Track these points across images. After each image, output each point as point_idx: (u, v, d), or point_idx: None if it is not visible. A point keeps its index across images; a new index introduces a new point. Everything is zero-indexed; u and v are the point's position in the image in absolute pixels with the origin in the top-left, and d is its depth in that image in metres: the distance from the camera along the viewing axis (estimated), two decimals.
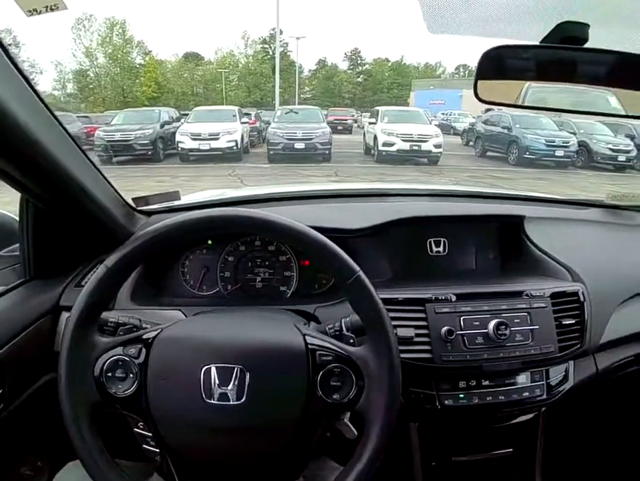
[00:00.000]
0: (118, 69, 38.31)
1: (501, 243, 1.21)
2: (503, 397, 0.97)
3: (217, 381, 0.63)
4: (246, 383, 0.63)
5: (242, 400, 0.62)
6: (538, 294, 1.00)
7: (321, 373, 0.64)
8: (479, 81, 0.70)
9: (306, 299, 1.03)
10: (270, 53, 46.39)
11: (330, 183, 6.89)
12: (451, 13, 0.67)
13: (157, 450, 0.68)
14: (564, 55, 0.72)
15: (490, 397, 0.97)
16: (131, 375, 0.64)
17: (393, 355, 0.62)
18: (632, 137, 12.57)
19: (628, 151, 11.99)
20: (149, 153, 11.43)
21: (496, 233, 1.21)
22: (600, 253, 1.26)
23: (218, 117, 12.09)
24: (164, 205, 1.21)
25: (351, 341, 0.69)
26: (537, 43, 0.72)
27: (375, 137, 11.61)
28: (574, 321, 1.01)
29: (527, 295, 0.99)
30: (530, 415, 1.08)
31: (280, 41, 40.75)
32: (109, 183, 0.98)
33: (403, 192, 1.45)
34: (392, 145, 11.14)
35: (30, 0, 0.59)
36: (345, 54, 55.11)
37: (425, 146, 11.13)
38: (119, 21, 38.71)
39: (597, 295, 1.06)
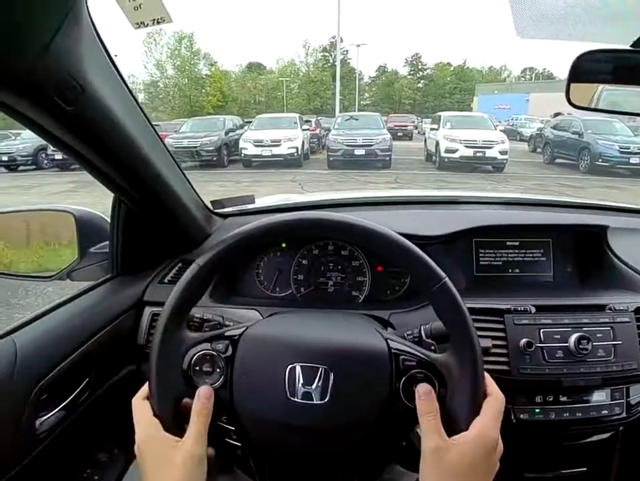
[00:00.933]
0: (186, 79, 40.28)
1: (581, 254, 1.15)
2: (580, 414, 0.93)
3: (301, 380, 0.64)
4: (330, 384, 0.63)
5: (326, 400, 0.63)
6: (621, 308, 0.95)
7: (404, 377, 0.64)
8: (572, 84, 0.68)
9: (378, 305, 1.03)
10: (331, 60, 46.97)
11: (391, 190, 6.83)
12: (540, 17, 0.66)
13: (239, 444, 0.70)
14: None
15: (567, 413, 0.93)
16: (217, 370, 0.66)
17: (478, 364, 0.61)
18: None
19: None
20: (214, 159, 11.94)
21: (575, 244, 1.16)
22: None
23: (279, 124, 12.43)
24: (238, 208, 1.26)
25: (432, 347, 0.68)
26: (628, 47, 0.69)
27: (437, 144, 11.41)
28: None
29: (610, 309, 0.95)
30: (607, 434, 1.02)
31: (341, 49, 41.07)
32: (192, 186, 1.03)
33: (473, 199, 1.42)
34: (455, 151, 10.90)
35: (139, 13, 0.64)
36: (406, 59, 54.81)
37: (489, 153, 10.79)
38: (187, 34, 40.86)
39: None
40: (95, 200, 1.03)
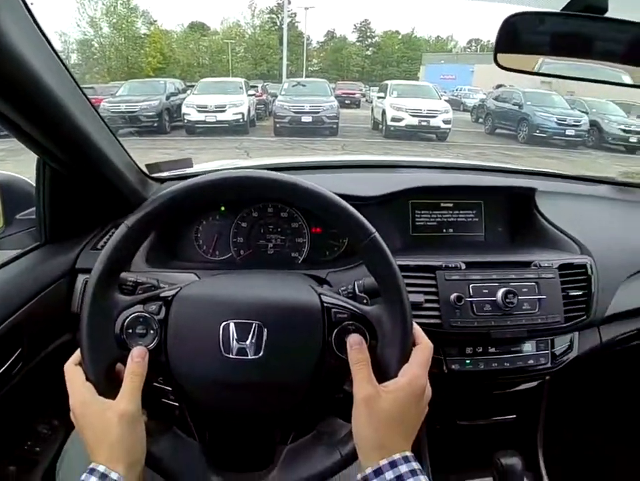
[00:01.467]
0: (123, 39, 37.62)
1: (511, 215, 1.22)
2: (508, 364, 1.00)
3: (235, 337, 0.64)
4: (264, 339, 0.64)
5: (260, 354, 0.64)
6: (546, 265, 1.01)
7: (335, 330, 0.66)
8: (498, 54, 0.69)
9: (317, 265, 1.05)
10: (278, 23, 45.44)
11: (338, 155, 6.84)
12: None
13: (177, 404, 0.70)
14: (583, 27, 0.71)
15: (496, 364, 0.99)
16: (151, 331, 0.65)
17: (407, 314, 0.64)
18: None
19: None
20: (155, 125, 11.31)
21: (506, 205, 1.22)
22: (609, 228, 1.27)
23: (224, 89, 11.95)
24: (176, 173, 1.22)
25: (364, 301, 0.70)
26: (558, 11, 0.71)
27: (384, 112, 11.46)
28: (580, 293, 1.03)
29: (535, 266, 1.01)
30: (534, 383, 1.11)
31: (288, 11, 39.95)
32: (124, 149, 0.99)
33: (413, 164, 1.45)
34: (401, 120, 11.01)
35: None
36: (355, 26, 54.16)
37: (434, 122, 10.98)
38: None
39: (605, 269, 1.08)
40: (31, 170, 0.96)
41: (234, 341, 0.64)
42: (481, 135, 12.90)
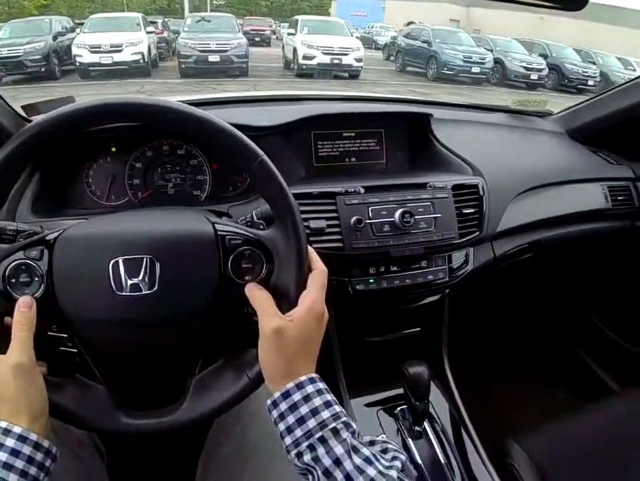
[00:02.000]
0: None
1: (410, 142, 1.25)
2: (409, 281, 1.06)
3: (127, 273, 0.62)
4: (157, 273, 0.63)
5: (155, 288, 0.63)
6: (440, 185, 1.07)
7: (231, 256, 0.65)
8: None
9: (220, 201, 1.02)
10: None
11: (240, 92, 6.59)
12: None
13: (75, 350, 0.67)
14: None
15: (398, 281, 1.05)
16: (36, 278, 0.61)
17: (300, 233, 0.64)
18: (545, 57, 13.05)
19: (540, 70, 12.43)
20: (43, 70, 9.95)
21: (404, 133, 1.25)
22: (501, 152, 1.36)
23: (119, 26, 10.74)
24: None
25: (261, 227, 0.70)
26: None
27: (295, 50, 11.03)
28: (473, 211, 1.10)
29: (431, 187, 1.06)
30: (436, 297, 1.19)
31: None
32: None
33: (317, 96, 1.44)
34: (312, 58, 10.68)
35: None
36: None
37: (346, 60, 10.78)
38: None
39: (495, 188, 1.15)
40: None
41: (126, 277, 0.62)
42: (392, 73, 12.92)
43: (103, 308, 0.63)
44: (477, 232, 1.11)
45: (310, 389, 0.57)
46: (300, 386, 0.58)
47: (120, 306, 0.63)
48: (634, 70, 13.38)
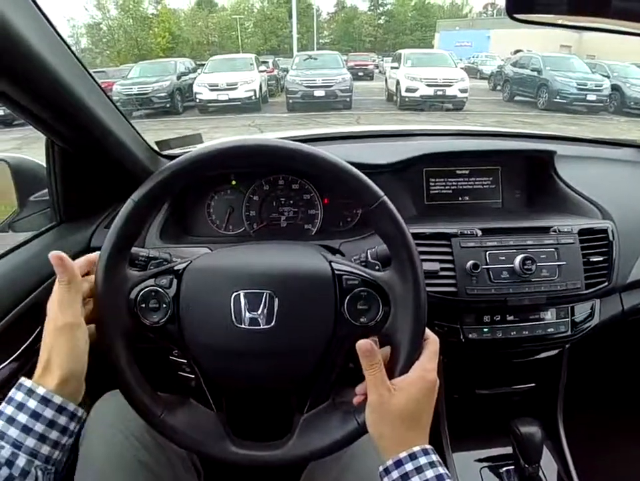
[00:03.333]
0: (131, 20, 37.21)
1: (529, 180, 1.18)
2: (527, 332, 0.99)
3: (247, 307, 0.64)
4: (275, 308, 0.64)
5: (272, 324, 0.64)
6: (566, 230, 0.99)
7: (348, 296, 0.65)
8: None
9: (331, 236, 1.04)
10: None
11: (353, 127, 6.76)
12: None
13: (192, 376, 0.71)
14: None
15: (514, 332, 0.98)
16: (164, 305, 0.66)
17: (419, 279, 0.62)
18: None
19: None
20: (168, 105, 11.33)
21: (523, 170, 1.18)
22: (631, 192, 1.23)
23: (234, 66, 11.86)
24: (187, 149, 1.22)
25: (377, 267, 0.69)
26: None
27: (398, 83, 11.20)
28: (602, 259, 1.00)
29: (555, 231, 0.98)
30: (554, 351, 1.09)
31: None
32: (133, 127, 0.98)
33: (427, 132, 1.42)
34: (415, 90, 10.76)
35: None
36: None
37: (450, 91, 10.70)
38: None
39: (626, 234, 1.05)
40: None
41: (246, 311, 0.64)
42: (499, 103, 12.54)
43: (221, 338, 0.66)
44: (606, 283, 1.00)
45: (423, 460, 0.56)
46: (413, 456, 0.57)
47: (238, 339, 0.65)
48: None
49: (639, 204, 1.16)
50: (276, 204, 1.13)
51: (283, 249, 0.78)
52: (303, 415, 0.69)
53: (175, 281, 0.66)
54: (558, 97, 11.16)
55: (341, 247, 0.97)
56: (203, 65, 12.89)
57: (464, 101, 10.92)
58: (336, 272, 0.66)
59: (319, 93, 10.92)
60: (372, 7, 52.16)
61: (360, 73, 17.78)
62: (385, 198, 0.63)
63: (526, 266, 0.92)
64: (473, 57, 21.85)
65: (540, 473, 1.03)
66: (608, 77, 11.65)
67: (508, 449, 1.01)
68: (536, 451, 0.93)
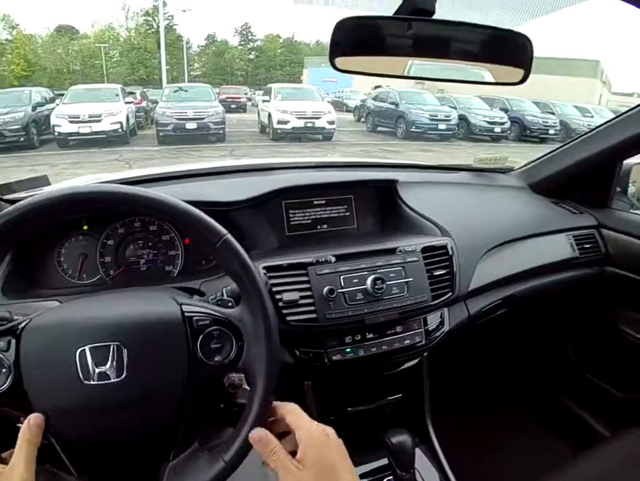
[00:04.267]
0: None
1: (379, 207, 1.29)
2: (386, 347, 1.04)
3: (94, 362, 0.61)
4: (125, 359, 0.62)
5: (123, 376, 0.62)
6: (410, 249, 1.08)
7: (200, 337, 0.65)
8: (336, 58, 0.73)
9: (193, 276, 1.02)
10: (155, 26, 43.25)
11: (226, 161, 6.74)
12: None
13: (45, 442, 0.65)
14: (417, 29, 0.77)
15: (375, 348, 1.03)
16: (4, 370, 0.60)
17: (267, 311, 0.64)
18: (506, 110, 14.05)
19: (502, 123, 13.34)
20: (22, 139, 10.13)
21: (373, 197, 1.28)
22: (466, 211, 1.40)
23: (98, 97, 11.11)
24: (33, 192, 1.12)
25: (230, 304, 0.70)
26: (390, 15, 0.77)
27: (270, 115, 11.55)
28: (444, 272, 1.10)
29: (400, 251, 1.07)
30: (415, 361, 1.16)
31: (165, 14, 38.33)
32: None
33: (289, 165, 1.47)
34: (287, 122, 11.20)
35: None
36: (235, 29, 53.54)
37: (319, 123, 11.33)
38: None
39: (464, 248, 1.17)
40: None
41: (93, 366, 0.61)
42: (364, 134, 13.55)
43: (71, 398, 0.61)
44: (450, 293, 1.11)
45: None
46: None
47: (88, 396, 0.61)
48: (592, 116, 14.32)
49: (473, 221, 1.31)
50: (133, 248, 1.06)
51: (131, 297, 0.75)
52: (169, 463, 0.67)
53: (14, 342, 0.61)
54: (413, 127, 12.47)
55: (202, 287, 0.95)
56: (62, 94, 11.92)
57: (332, 132, 11.61)
58: (186, 314, 0.66)
59: (191, 125, 10.74)
60: (242, 42, 53.33)
61: (233, 106, 17.91)
62: (229, 236, 0.65)
63: (377, 286, 0.98)
64: (339, 91, 23.36)
65: (418, 478, 1.09)
66: (455, 108, 13.32)
67: (385, 461, 1.03)
68: (409, 458, 0.96)
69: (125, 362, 0.62)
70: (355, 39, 0.72)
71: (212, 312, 0.67)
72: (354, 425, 1.20)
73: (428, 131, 12.43)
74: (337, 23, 0.69)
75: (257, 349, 0.65)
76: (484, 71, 0.88)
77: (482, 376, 1.87)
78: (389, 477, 1.08)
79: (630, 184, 1.58)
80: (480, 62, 0.83)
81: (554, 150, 1.58)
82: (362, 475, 1.11)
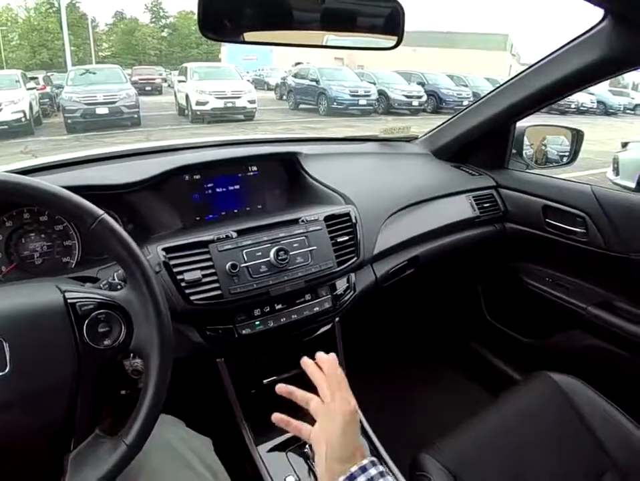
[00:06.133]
0: None
1: (285, 180, 1.30)
2: (296, 316, 1.07)
3: None
4: (7, 353, 0.59)
5: (6, 370, 0.59)
6: (312, 218, 1.10)
7: (85, 322, 0.64)
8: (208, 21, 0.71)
9: (92, 264, 0.97)
10: (56, 5, 39.71)
11: (123, 145, 6.42)
12: None
13: None
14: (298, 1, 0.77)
15: (284, 318, 1.05)
16: None
17: (154, 289, 0.64)
18: (422, 84, 14.60)
19: (420, 97, 13.87)
20: None
21: (279, 171, 1.29)
22: (370, 179, 1.44)
23: None
24: None
25: (119, 287, 0.69)
26: None
27: (187, 97, 11.15)
28: (347, 238, 1.13)
29: (303, 221, 1.09)
30: (327, 327, 1.19)
31: None
32: None
33: (195, 145, 1.44)
34: (206, 103, 10.83)
35: None
36: (145, 6, 50.33)
37: (239, 102, 11.07)
38: None
39: (367, 214, 1.21)
40: None
41: None
42: (286, 112, 13.44)
43: None
44: (355, 258, 1.14)
45: (373, 471, 0.62)
46: (363, 469, 0.62)
47: None
48: None
49: (376, 188, 1.36)
50: (25, 241, 0.99)
51: (12, 290, 0.72)
52: (71, 453, 0.65)
53: None
54: (335, 103, 12.59)
55: (98, 274, 0.92)
56: None
57: (254, 112, 11.40)
58: (69, 300, 0.64)
59: (102, 110, 10.06)
60: (154, 19, 50.39)
61: (147, 88, 17.02)
62: (105, 216, 0.63)
63: (280, 257, 0.99)
64: (259, 69, 22.90)
65: None
66: (374, 83, 13.58)
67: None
68: None
69: (7, 356, 0.59)
70: (234, 8, 0.71)
71: (97, 297, 0.65)
72: (273, 396, 1.22)
73: (350, 107, 12.59)
74: None
75: (148, 330, 0.64)
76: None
77: (397, 335, 1.96)
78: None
79: (526, 146, 1.70)
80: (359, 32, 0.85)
81: (453, 117, 1.66)
82: (284, 444, 1.13)
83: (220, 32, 0.73)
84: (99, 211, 0.63)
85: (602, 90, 17.49)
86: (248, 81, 13.42)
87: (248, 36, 0.75)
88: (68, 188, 0.66)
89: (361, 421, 1.22)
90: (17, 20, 40.30)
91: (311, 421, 1.02)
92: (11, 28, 39.24)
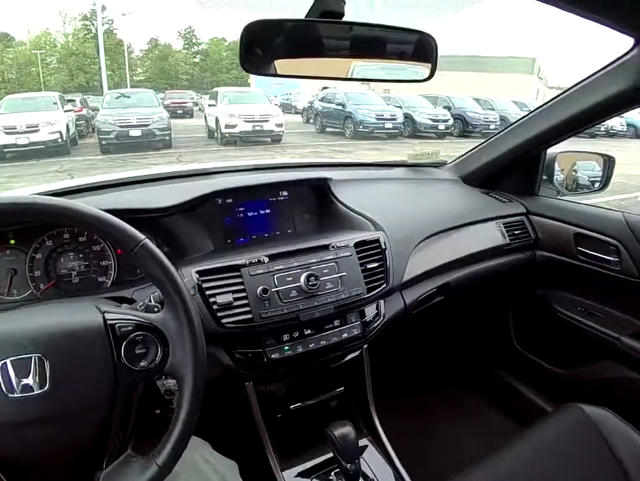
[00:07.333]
0: None
1: (315, 205, 1.31)
2: (324, 342, 1.06)
3: (16, 374, 0.60)
4: (47, 370, 0.61)
5: (47, 388, 0.61)
6: (342, 244, 1.11)
7: (123, 344, 0.65)
8: (245, 62, 0.75)
9: (126, 285, 1.00)
10: (93, 30, 41.53)
11: (156, 168, 6.59)
12: None
13: None
14: (325, 30, 0.80)
15: (313, 344, 1.05)
16: None
17: (190, 313, 0.65)
18: (449, 108, 14.58)
19: (446, 120, 13.86)
20: None
21: (309, 197, 1.31)
22: (400, 204, 1.45)
23: (35, 106, 10.54)
24: None
25: (155, 309, 0.71)
26: (301, 18, 0.79)
27: (217, 120, 11.44)
28: (377, 265, 1.14)
29: (333, 247, 1.10)
30: (355, 354, 1.19)
31: (104, 17, 37.01)
32: None
33: (227, 169, 1.47)
34: (234, 126, 11.09)
35: None
36: (179, 32, 52.24)
37: (267, 126, 11.30)
38: None
39: (397, 240, 1.21)
40: None
41: (16, 379, 0.60)
42: (313, 135, 13.62)
43: None
44: (385, 284, 1.14)
45: None
46: None
47: (13, 409, 0.60)
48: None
49: (405, 214, 1.36)
50: (64, 260, 1.03)
51: (53, 308, 0.74)
52: (103, 471, 0.66)
53: None
54: (361, 127, 12.70)
55: (134, 295, 0.94)
56: None
57: (281, 135, 11.60)
58: (108, 321, 0.66)
59: (135, 132, 10.42)
60: (186, 46, 52.16)
61: (179, 111, 17.59)
62: (147, 241, 0.65)
63: (310, 283, 1.00)
64: (287, 93, 23.38)
65: (365, 468, 1.10)
66: (400, 107, 13.65)
67: (330, 454, 1.05)
68: (353, 450, 0.97)
69: (47, 373, 0.61)
70: (267, 41, 0.74)
71: (136, 319, 0.67)
72: (300, 422, 1.21)
73: (375, 131, 12.68)
74: (244, 29, 0.70)
75: (183, 352, 0.65)
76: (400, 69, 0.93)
77: (424, 362, 1.93)
78: (335, 470, 1.10)
79: (557, 172, 1.68)
80: (389, 59, 0.87)
81: (483, 143, 1.66)
82: (312, 470, 1.13)
83: (255, 64, 0.75)
84: (141, 236, 0.65)
85: (632, 113, 17.17)
86: (276, 105, 13.69)
87: (281, 67, 0.77)
88: (110, 211, 0.69)
89: (385, 447, 1.21)
90: (56, 44, 42.16)
91: (331, 445, 1.01)
92: (50, 52, 41.05)
